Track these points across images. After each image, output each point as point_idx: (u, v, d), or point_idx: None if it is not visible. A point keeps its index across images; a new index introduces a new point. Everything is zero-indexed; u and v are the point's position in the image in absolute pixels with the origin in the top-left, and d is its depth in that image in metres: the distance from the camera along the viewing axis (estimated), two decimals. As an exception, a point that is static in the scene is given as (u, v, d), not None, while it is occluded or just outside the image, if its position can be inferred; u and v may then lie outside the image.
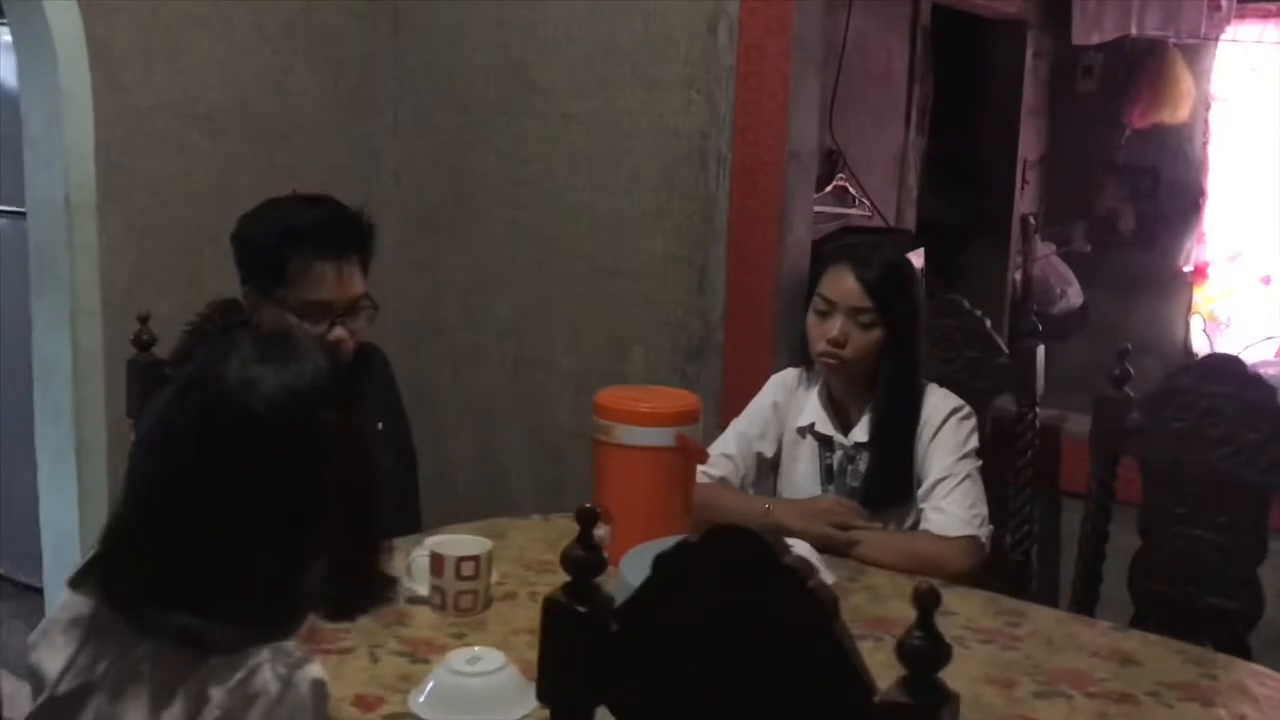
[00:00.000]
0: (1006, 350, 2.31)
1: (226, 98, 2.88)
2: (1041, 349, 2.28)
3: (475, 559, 1.62)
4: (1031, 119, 4.43)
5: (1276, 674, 1.57)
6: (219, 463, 1.08)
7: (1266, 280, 4.40)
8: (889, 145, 3.61)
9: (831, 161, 3.30)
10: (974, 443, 2.00)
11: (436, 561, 1.62)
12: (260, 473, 1.08)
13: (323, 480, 1.11)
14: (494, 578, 1.68)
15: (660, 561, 1.00)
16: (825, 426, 2.08)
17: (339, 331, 1.87)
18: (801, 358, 2.11)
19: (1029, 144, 4.46)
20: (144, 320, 1.96)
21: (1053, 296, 4.42)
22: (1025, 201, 4.52)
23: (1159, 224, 4.52)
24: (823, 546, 1.94)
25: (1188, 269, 4.48)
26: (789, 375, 2.16)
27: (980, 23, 4.00)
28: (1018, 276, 4.45)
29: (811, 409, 2.10)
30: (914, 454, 2.00)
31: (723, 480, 2.11)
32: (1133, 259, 4.57)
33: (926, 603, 0.86)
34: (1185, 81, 4.25)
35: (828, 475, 2.09)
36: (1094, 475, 2.01)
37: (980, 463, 2.00)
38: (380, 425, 2.04)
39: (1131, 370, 1.97)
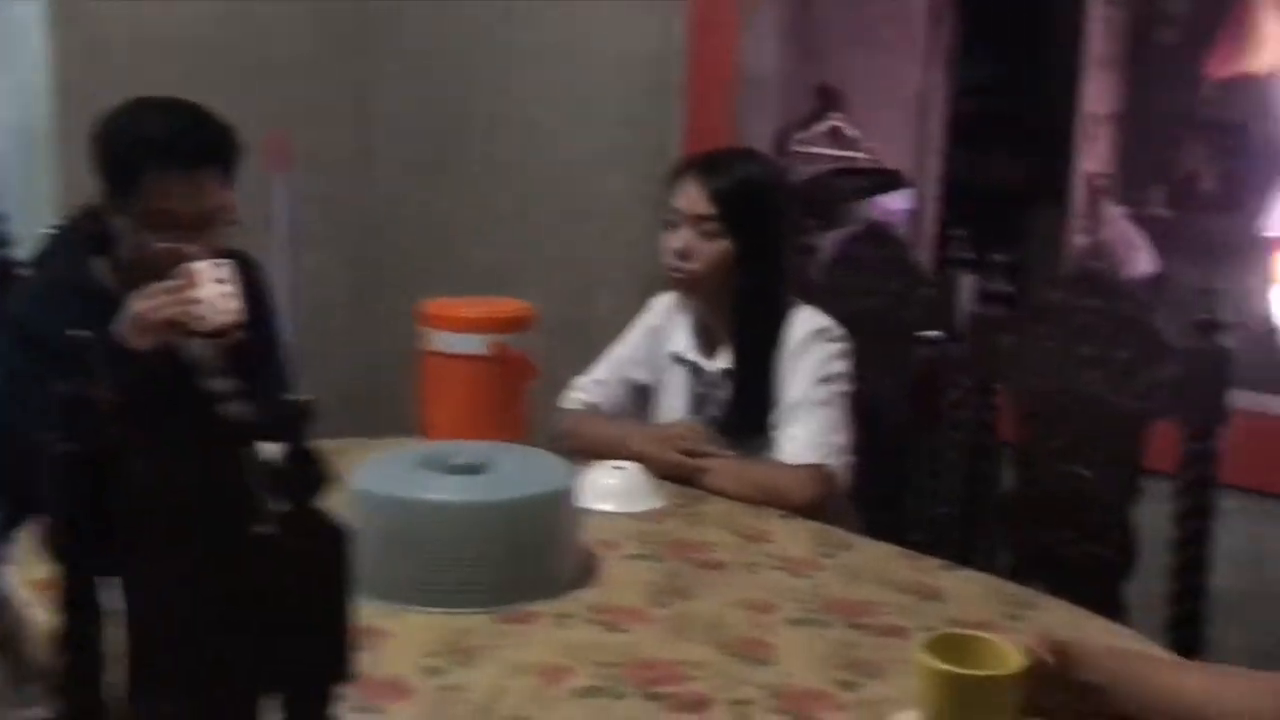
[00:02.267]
0: (933, 280, 2.10)
1: (199, 32, 2.90)
2: (968, 278, 2.06)
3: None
4: (1103, 71, 4.08)
5: (1101, 621, 1.36)
6: None
7: (1359, 248, 3.93)
8: (904, 87, 3.38)
9: (826, 98, 3.11)
10: (839, 366, 1.83)
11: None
12: None
13: None
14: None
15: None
16: (692, 352, 1.93)
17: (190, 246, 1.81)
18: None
19: (1100, 98, 4.11)
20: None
21: (1117, 263, 4.07)
22: (1094, 160, 4.18)
23: (1243, 185, 4.10)
24: (674, 474, 1.81)
25: (1272, 235, 4.05)
26: (666, 298, 2.02)
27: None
28: (1083, 242, 4.12)
29: (682, 334, 1.96)
30: (777, 378, 1.84)
31: (593, 407, 1.99)
32: (1214, 223, 4.17)
33: (296, 417, 0.74)
34: (1271, 24, 3.84)
35: (696, 404, 1.94)
36: (966, 404, 1.79)
37: (846, 389, 1.83)
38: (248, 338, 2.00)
39: (1014, 290, 1.75)
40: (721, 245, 1.81)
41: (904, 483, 2.10)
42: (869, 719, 1.10)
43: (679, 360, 1.96)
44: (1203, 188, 4.24)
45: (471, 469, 1.42)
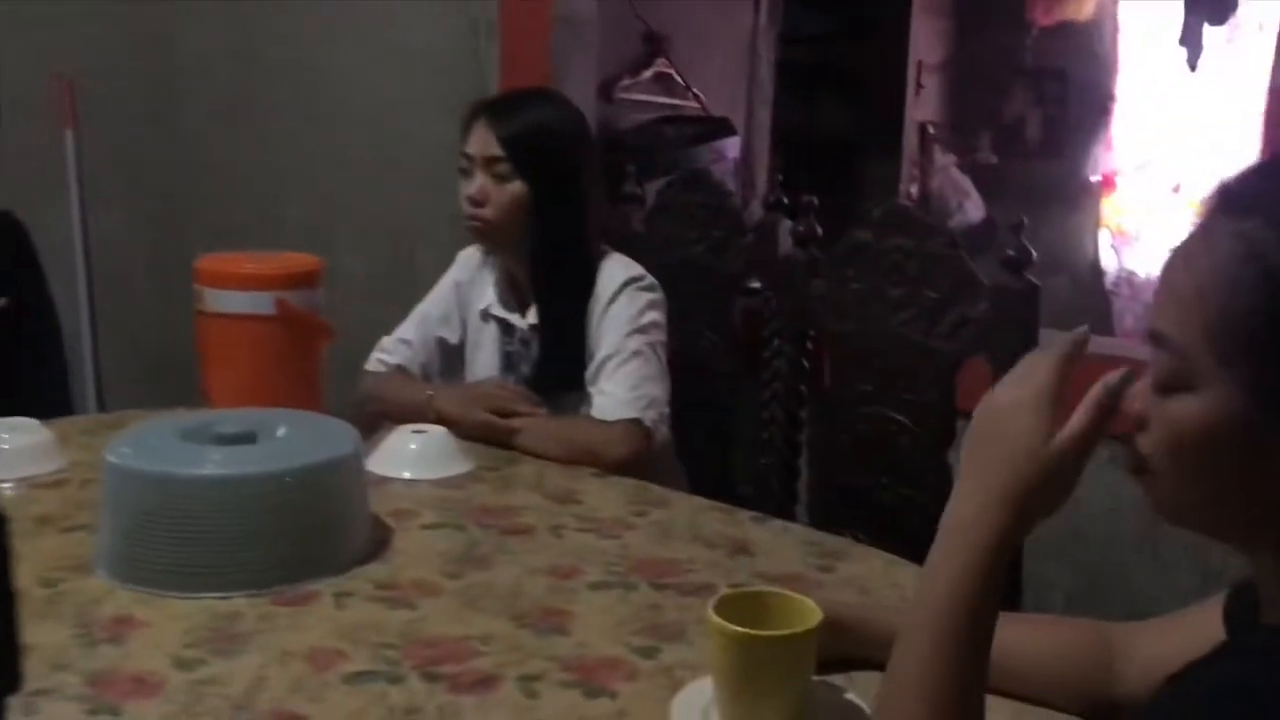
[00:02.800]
0: (752, 228, 2.04)
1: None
2: (787, 224, 2.01)
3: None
4: (930, 18, 4.11)
5: (916, 568, 1.32)
6: None
7: (1177, 190, 4.06)
8: (733, 34, 3.32)
9: (654, 44, 3.02)
10: (652, 316, 1.75)
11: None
12: None
13: None
14: None
15: None
16: (500, 309, 1.83)
17: None
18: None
19: (928, 46, 4.15)
20: None
21: (949, 211, 4.12)
22: (924, 109, 4.22)
23: (1067, 131, 4.19)
24: (484, 436, 1.71)
25: (1095, 179, 4.15)
26: (473, 252, 1.92)
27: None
28: (914, 190, 4.16)
29: (489, 290, 1.86)
30: (588, 331, 1.75)
31: (399, 368, 1.88)
32: (1040, 169, 4.25)
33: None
34: (1092, -29, 3.91)
35: (508, 363, 1.85)
36: (782, 352, 1.74)
37: (661, 340, 1.75)
38: (6, 301, 1.82)
39: (819, 228, 1.70)
40: (515, 188, 1.71)
41: (730, 436, 2.05)
42: (665, 686, 1.03)
43: (488, 317, 1.86)
44: (1028, 134, 4.32)
45: (241, 439, 1.29)
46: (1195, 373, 0.67)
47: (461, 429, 1.69)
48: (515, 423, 1.70)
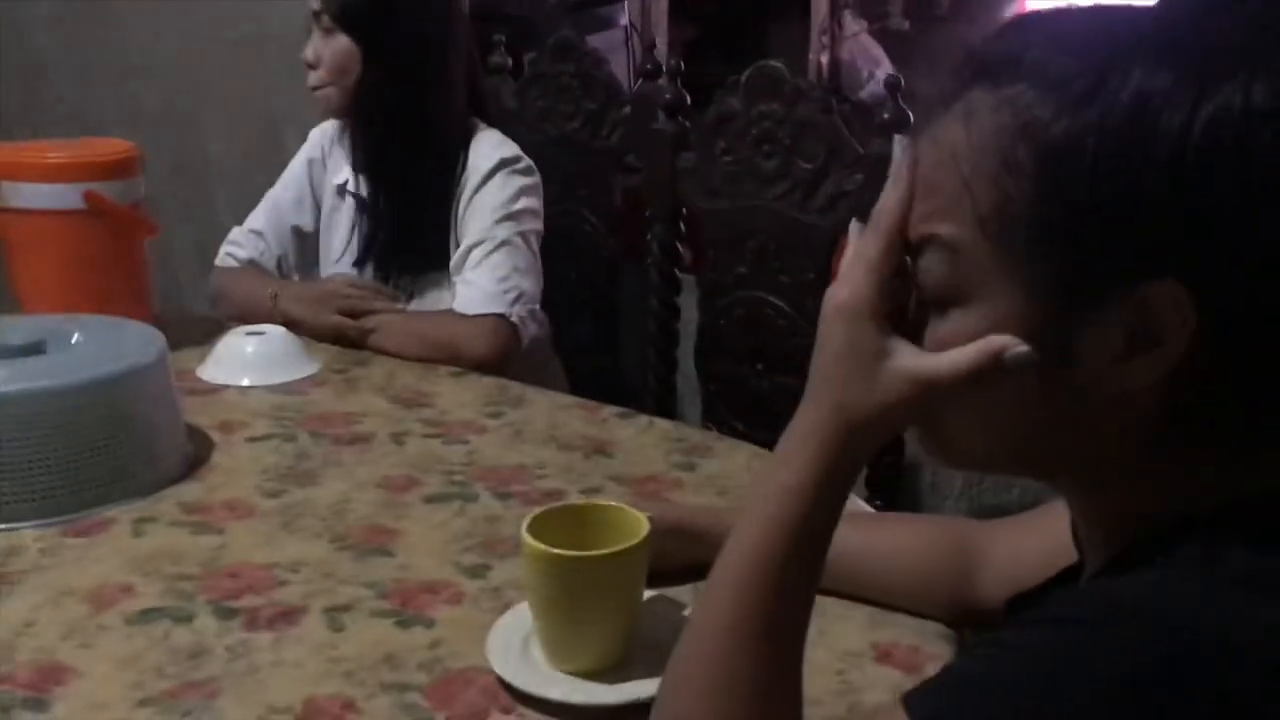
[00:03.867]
0: (629, 99, 1.89)
1: None
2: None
3: None
4: (836, -127, 3.90)
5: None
6: None
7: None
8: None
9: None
10: (526, 203, 1.61)
11: None
12: None
13: None
14: None
15: None
16: (360, 184, 1.68)
17: None
18: None
19: (835, -95, 3.95)
20: None
21: (859, 80, 3.97)
22: (833, -28, 4.03)
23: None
24: (336, 338, 1.58)
25: (1009, 43, 4.03)
26: (327, 126, 1.75)
27: None
28: (824, 59, 4.00)
29: (345, 164, 1.70)
30: (454, 216, 1.61)
31: (250, 262, 1.73)
32: (953, 35, 4.11)
33: None
34: None
35: (366, 244, 1.70)
36: (653, 234, 1.62)
37: (534, 228, 1.62)
38: None
39: (688, 97, 1.56)
40: (340, 44, 1.55)
41: (614, 327, 1.94)
42: (491, 611, 0.93)
43: (343, 192, 1.71)
44: (940, -2, 4.17)
45: (27, 350, 1.15)
46: (969, 280, 0.56)
47: (310, 331, 1.56)
48: (369, 322, 1.57)
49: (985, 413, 0.58)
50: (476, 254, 1.57)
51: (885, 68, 4.10)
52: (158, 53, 2.77)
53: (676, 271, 1.62)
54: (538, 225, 1.64)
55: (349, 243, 1.69)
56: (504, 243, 1.57)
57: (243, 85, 2.66)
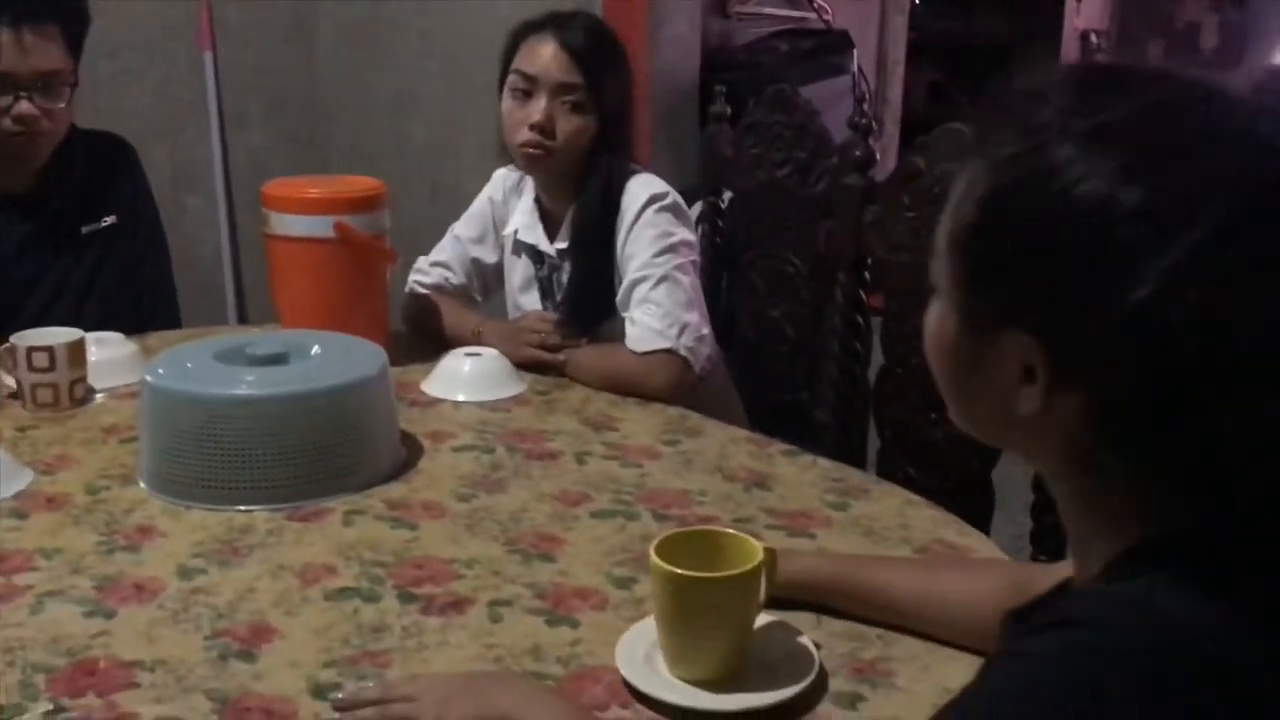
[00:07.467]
0: (838, 149, 1.97)
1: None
2: (877, 141, 1.93)
3: (48, 350, 1.49)
4: (1096, -83, 3.84)
5: (934, 510, 1.28)
6: None
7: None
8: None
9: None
10: (681, 235, 1.70)
11: (9, 353, 1.51)
12: None
13: None
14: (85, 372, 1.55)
15: None
16: (530, 234, 1.82)
17: (24, 106, 1.75)
18: (503, 154, 1.79)
19: (1093, -52, 3.88)
20: None
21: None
22: (1086, 16, 3.96)
23: (1245, 37, 3.87)
24: (538, 368, 1.72)
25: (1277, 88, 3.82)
26: (508, 173, 1.88)
27: None
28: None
29: (521, 213, 1.84)
30: (615, 255, 1.72)
31: (437, 289, 1.89)
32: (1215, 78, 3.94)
33: None
34: None
35: (543, 290, 1.84)
36: (839, 282, 1.68)
37: (690, 258, 1.70)
38: (115, 219, 1.93)
39: (877, 154, 1.62)
40: (587, 119, 1.68)
41: (814, 365, 2.01)
42: (629, 618, 1.04)
43: (518, 243, 1.85)
44: (1203, 41, 4.01)
45: (272, 360, 1.35)
46: (938, 277, 0.69)
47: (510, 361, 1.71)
48: (559, 355, 1.71)
49: (943, 382, 0.72)
50: (640, 291, 1.67)
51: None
52: (423, 93, 3.05)
53: (858, 319, 1.68)
54: (693, 255, 1.72)
55: (529, 286, 1.83)
56: (664, 278, 1.66)
57: (495, 124, 2.90)
